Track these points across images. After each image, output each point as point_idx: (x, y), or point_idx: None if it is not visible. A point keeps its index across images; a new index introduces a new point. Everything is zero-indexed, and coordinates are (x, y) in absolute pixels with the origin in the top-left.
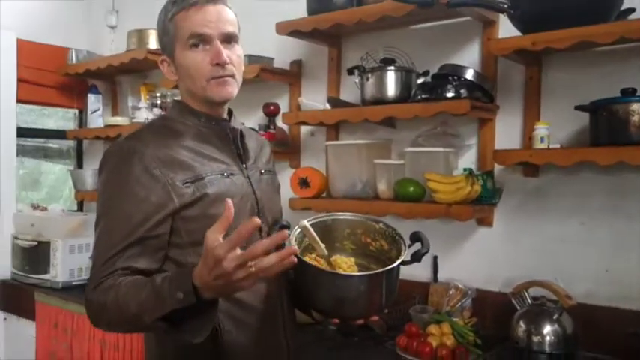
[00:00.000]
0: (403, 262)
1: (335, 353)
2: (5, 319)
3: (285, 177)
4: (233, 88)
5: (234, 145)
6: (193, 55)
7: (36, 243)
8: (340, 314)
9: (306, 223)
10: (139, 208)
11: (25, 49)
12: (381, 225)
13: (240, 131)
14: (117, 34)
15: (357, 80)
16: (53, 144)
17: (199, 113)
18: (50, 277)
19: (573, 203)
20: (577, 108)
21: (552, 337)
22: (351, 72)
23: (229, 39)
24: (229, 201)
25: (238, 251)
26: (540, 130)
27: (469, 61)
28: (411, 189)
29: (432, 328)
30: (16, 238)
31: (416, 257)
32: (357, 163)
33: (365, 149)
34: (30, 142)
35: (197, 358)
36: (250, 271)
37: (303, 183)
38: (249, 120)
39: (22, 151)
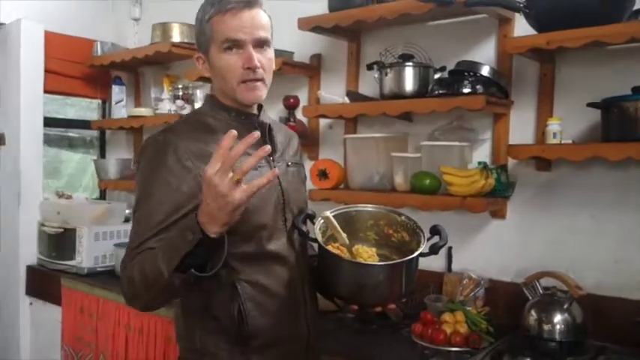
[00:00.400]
0: (422, 254)
1: (353, 340)
2: (31, 304)
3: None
4: (262, 92)
5: (262, 138)
6: (227, 58)
7: (62, 230)
8: (360, 301)
9: (328, 213)
10: (170, 197)
11: (52, 41)
12: (402, 217)
13: (269, 125)
14: (140, 26)
15: (375, 75)
16: (75, 133)
17: (230, 108)
18: (76, 264)
19: (584, 196)
20: (589, 105)
21: (562, 326)
22: (370, 67)
23: (262, 43)
24: (232, 131)
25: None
26: (553, 125)
27: (485, 57)
28: (427, 181)
29: (446, 316)
30: (42, 225)
31: (434, 249)
32: (375, 155)
33: (382, 142)
34: (53, 131)
35: (223, 341)
36: (236, 181)
37: (322, 174)
38: (269, 112)
39: (45, 140)
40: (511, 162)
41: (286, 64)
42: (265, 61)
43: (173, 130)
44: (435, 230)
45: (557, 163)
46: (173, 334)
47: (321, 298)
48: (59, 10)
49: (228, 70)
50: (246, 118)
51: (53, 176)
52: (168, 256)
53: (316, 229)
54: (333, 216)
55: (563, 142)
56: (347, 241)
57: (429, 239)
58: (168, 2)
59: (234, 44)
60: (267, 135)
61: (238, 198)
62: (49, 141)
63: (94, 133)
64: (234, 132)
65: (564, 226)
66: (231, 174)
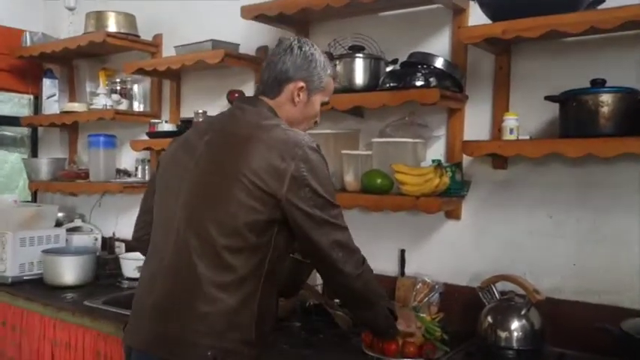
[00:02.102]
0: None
1: (298, 351)
2: None
3: None
4: None
5: None
6: (318, 110)
7: None
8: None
9: None
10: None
11: None
12: None
13: None
14: (76, 16)
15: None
16: (9, 132)
17: None
18: None
19: (542, 195)
20: (547, 98)
21: (520, 333)
22: None
23: None
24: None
25: None
26: (509, 121)
27: (439, 49)
28: (379, 180)
29: (398, 325)
30: None
31: None
32: (324, 153)
33: (332, 139)
34: None
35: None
36: None
37: None
38: (212, 107)
39: None
40: (466, 160)
41: (231, 57)
42: None
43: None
44: None
45: (514, 161)
46: (102, 347)
47: None
48: None
49: (313, 117)
50: None
51: None
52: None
53: None
54: None
55: (520, 137)
56: None
57: None
58: None
59: (324, 105)
60: None
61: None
62: None
63: (27, 130)
64: None
65: (521, 227)
66: None
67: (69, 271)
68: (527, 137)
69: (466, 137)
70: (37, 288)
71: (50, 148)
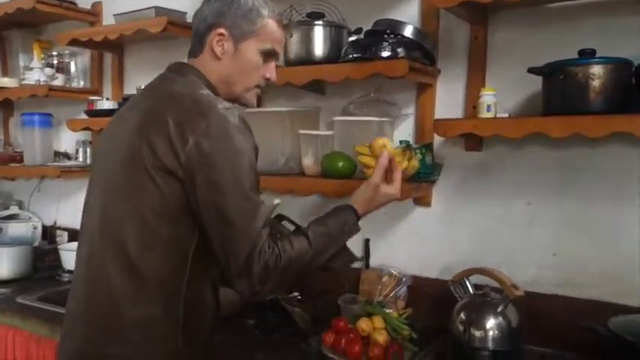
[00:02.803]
0: None
1: (249, 353)
2: None
3: None
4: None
5: None
6: (259, 61)
7: None
8: None
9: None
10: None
11: None
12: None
13: None
14: None
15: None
16: None
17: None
18: None
19: (520, 181)
20: (530, 70)
21: (496, 332)
22: None
23: None
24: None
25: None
26: (486, 96)
27: (407, 17)
28: (340, 164)
29: (363, 323)
30: None
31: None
32: (280, 134)
33: (288, 118)
34: None
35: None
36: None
37: None
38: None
39: None
40: (437, 140)
41: (175, 25)
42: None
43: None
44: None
45: (489, 142)
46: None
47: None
48: None
49: (255, 70)
50: None
51: None
52: (324, 254)
53: None
54: None
55: (499, 115)
56: None
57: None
58: None
59: (272, 54)
60: None
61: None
62: None
63: None
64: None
65: (497, 215)
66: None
67: (2, 265)
68: (506, 115)
69: (437, 116)
70: None
71: None
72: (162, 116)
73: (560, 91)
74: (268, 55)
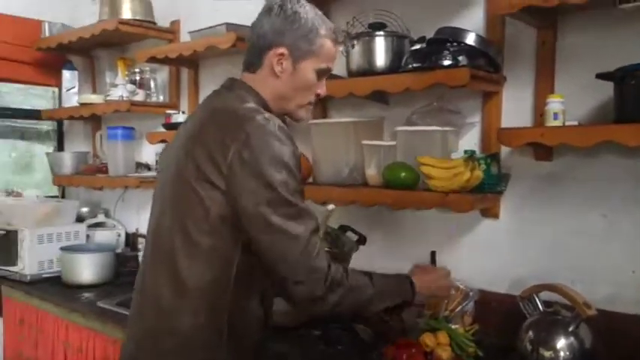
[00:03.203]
0: None
1: None
2: None
3: None
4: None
5: None
6: (313, 79)
7: (4, 232)
8: None
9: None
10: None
11: None
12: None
13: None
14: (98, 6)
15: (341, 49)
16: (34, 125)
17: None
18: (18, 270)
19: (594, 191)
20: (599, 76)
21: (567, 353)
22: None
23: None
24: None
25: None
26: (553, 104)
27: (472, 24)
28: (403, 174)
29: (426, 338)
30: None
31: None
32: (344, 144)
33: (352, 128)
34: (21, 123)
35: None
36: None
37: None
38: None
39: (14, 134)
40: (505, 150)
41: (244, 41)
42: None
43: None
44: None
45: (560, 151)
46: (111, 353)
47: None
48: None
49: (308, 88)
50: None
51: (26, 172)
52: (382, 300)
53: None
54: None
55: (566, 123)
56: None
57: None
58: None
59: (326, 74)
60: None
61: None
62: (19, 134)
63: (52, 124)
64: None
65: (570, 227)
66: None
67: (86, 270)
68: (575, 123)
69: (504, 124)
70: (55, 287)
71: (75, 141)
72: (204, 130)
73: (632, 97)
74: (323, 73)
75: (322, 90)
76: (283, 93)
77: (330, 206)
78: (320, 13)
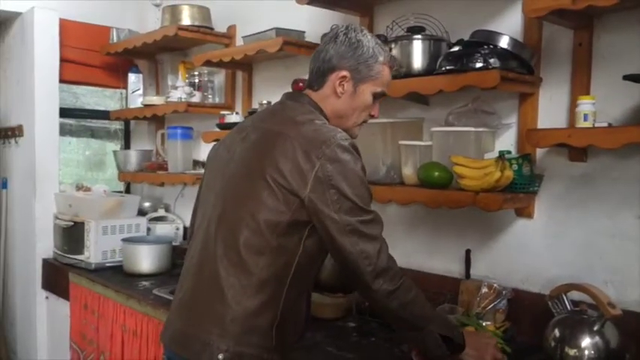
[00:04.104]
0: None
1: (345, 353)
2: (47, 297)
3: None
4: None
5: None
6: (370, 101)
7: (72, 223)
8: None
9: None
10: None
11: (69, 29)
12: None
13: None
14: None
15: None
16: (105, 124)
17: None
18: (84, 258)
19: (628, 192)
20: (626, 78)
21: (592, 352)
22: None
23: None
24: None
25: None
26: (584, 105)
27: (511, 26)
28: (436, 174)
29: None
30: (56, 218)
31: None
32: (382, 144)
33: (390, 129)
34: (96, 123)
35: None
36: None
37: None
38: (277, 97)
39: (89, 133)
40: (540, 151)
41: (290, 45)
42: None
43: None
44: None
45: (594, 152)
46: None
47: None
48: None
49: (364, 109)
50: None
51: (99, 168)
52: (437, 323)
53: None
54: None
55: (597, 125)
56: None
57: None
58: None
59: (380, 97)
60: None
61: None
62: (92, 133)
63: (120, 124)
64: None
65: (603, 228)
66: None
67: (145, 260)
68: (605, 124)
69: (540, 125)
70: (116, 275)
71: (141, 140)
72: (287, 139)
73: None
74: (378, 96)
75: (376, 112)
76: (343, 112)
77: None
78: (379, 42)
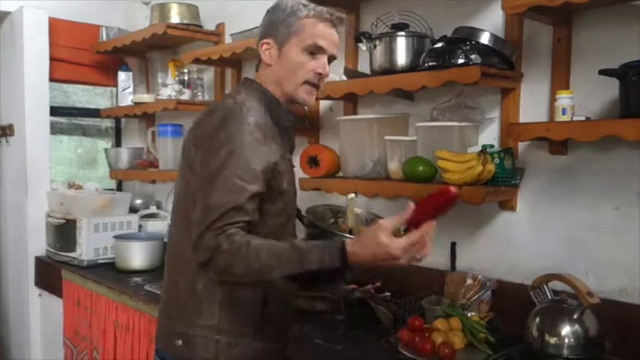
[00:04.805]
0: None
1: (333, 344)
2: (40, 295)
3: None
4: (314, 97)
5: (289, 139)
6: (304, 58)
7: (64, 221)
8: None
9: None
10: (262, 156)
11: (58, 28)
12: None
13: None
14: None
15: (364, 48)
16: (95, 122)
17: (279, 102)
18: (77, 255)
19: (607, 185)
20: (602, 72)
21: (572, 340)
22: (358, 40)
23: (330, 60)
24: (411, 204)
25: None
26: (562, 99)
27: (492, 23)
28: (421, 168)
29: (439, 323)
30: (48, 216)
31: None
32: (369, 139)
33: (376, 124)
34: (87, 121)
35: (243, 320)
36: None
37: (313, 161)
38: None
39: (81, 131)
40: (522, 145)
41: None
42: (327, 74)
43: (245, 101)
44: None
45: (574, 146)
46: (154, 331)
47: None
48: None
49: (300, 67)
50: (290, 116)
51: (91, 166)
52: (289, 261)
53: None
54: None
55: (575, 118)
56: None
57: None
58: None
59: (317, 50)
60: (293, 136)
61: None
62: (81, 131)
63: (110, 122)
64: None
65: (584, 220)
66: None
67: (137, 256)
68: (583, 118)
69: (522, 119)
70: (109, 272)
71: (131, 137)
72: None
73: (634, 93)
74: (314, 51)
75: (321, 68)
76: (278, 77)
77: (351, 195)
78: (306, 1)
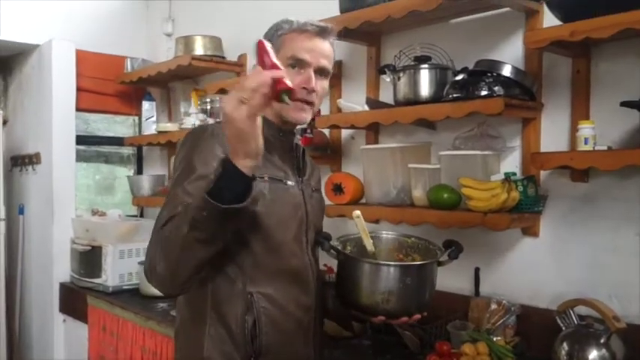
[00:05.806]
0: (439, 263)
1: None
2: (64, 320)
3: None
4: (307, 115)
5: (296, 158)
6: (288, 74)
7: (90, 247)
8: (382, 308)
9: (359, 212)
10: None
11: (85, 59)
12: (412, 239)
13: (303, 148)
14: (173, 41)
15: (388, 80)
16: (118, 150)
17: (270, 122)
18: (102, 282)
19: (628, 211)
20: (623, 104)
21: None
22: (382, 71)
23: (322, 72)
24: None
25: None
26: (584, 129)
27: (512, 55)
28: (445, 195)
29: (466, 348)
30: (73, 242)
31: (452, 255)
32: (392, 167)
33: (399, 153)
34: (107, 148)
35: (231, 352)
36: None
37: (337, 189)
38: None
39: (100, 158)
40: (544, 172)
41: None
42: (320, 88)
43: (215, 125)
44: (448, 243)
45: (595, 173)
46: None
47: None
48: (91, 28)
49: None
50: (283, 135)
51: (108, 193)
52: (197, 188)
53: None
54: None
55: (597, 148)
56: (372, 248)
57: (445, 251)
58: (200, 17)
59: (298, 63)
60: (301, 156)
61: (237, 115)
62: (103, 158)
63: (132, 149)
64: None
65: (606, 245)
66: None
67: None
68: (605, 147)
69: (543, 148)
70: (134, 297)
71: (153, 165)
72: None
73: None
74: (294, 65)
75: (305, 82)
76: None
77: (356, 212)
78: (292, 18)
